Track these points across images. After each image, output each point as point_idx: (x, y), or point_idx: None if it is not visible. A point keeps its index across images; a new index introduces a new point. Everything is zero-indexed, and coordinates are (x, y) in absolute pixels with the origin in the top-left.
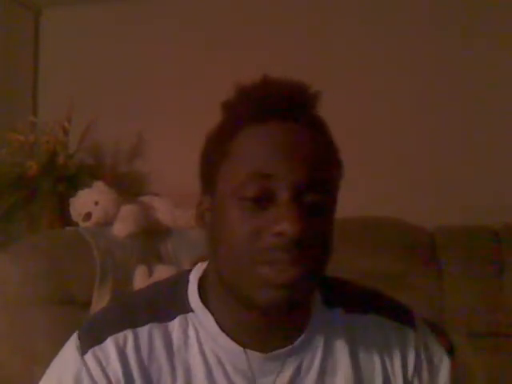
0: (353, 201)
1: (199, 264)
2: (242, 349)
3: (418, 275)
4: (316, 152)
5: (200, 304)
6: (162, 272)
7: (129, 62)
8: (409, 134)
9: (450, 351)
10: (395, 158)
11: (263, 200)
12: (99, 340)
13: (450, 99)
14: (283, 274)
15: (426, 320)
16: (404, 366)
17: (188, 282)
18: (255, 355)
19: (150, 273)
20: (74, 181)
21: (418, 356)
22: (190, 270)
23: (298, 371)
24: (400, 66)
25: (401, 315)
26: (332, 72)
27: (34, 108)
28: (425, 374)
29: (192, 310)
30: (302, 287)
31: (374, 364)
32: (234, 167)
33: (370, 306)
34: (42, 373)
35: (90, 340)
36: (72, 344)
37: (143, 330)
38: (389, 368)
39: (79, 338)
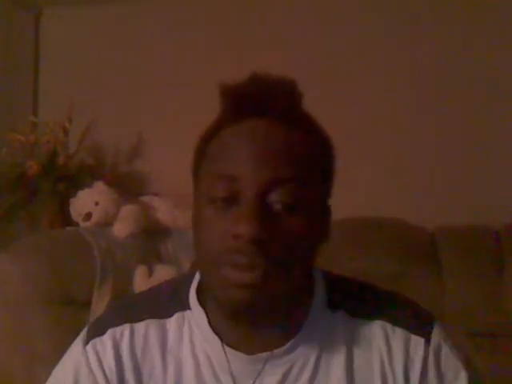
0: (353, 201)
1: None
2: (228, 348)
3: (418, 275)
4: (288, 149)
5: (196, 302)
6: (162, 272)
7: (129, 63)
8: (409, 134)
9: None
10: (395, 158)
11: (230, 201)
12: (100, 332)
13: (450, 99)
14: (243, 275)
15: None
16: (406, 376)
17: (192, 281)
18: (237, 355)
19: (150, 273)
20: (74, 181)
21: (424, 367)
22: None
23: (285, 376)
24: (400, 66)
25: (413, 323)
26: (332, 72)
27: (34, 108)
28: None
29: (190, 308)
30: (266, 288)
31: (372, 373)
32: (207, 168)
33: (377, 311)
34: (42, 373)
35: (94, 332)
36: (80, 335)
37: (140, 325)
38: (389, 377)
39: (87, 330)
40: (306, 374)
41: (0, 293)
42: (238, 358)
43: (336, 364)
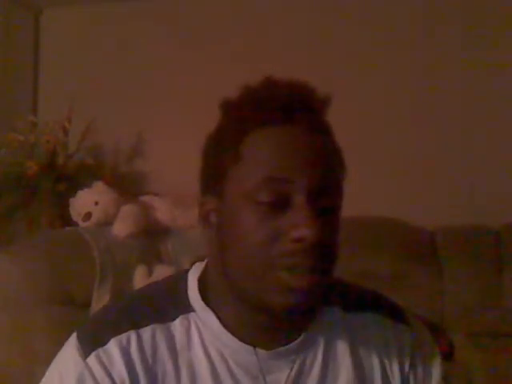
0: (353, 201)
1: (197, 263)
2: (250, 347)
3: (418, 275)
4: (326, 156)
5: (202, 303)
6: (162, 272)
7: (129, 62)
8: (409, 135)
9: (450, 351)
10: (395, 158)
11: (278, 204)
12: (102, 342)
13: (450, 100)
14: (303, 278)
15: (425, 319)
16: (401, 363)
17: (187, 281)
18: (258, 352)
19: (150, 273)
20: (74, 181)
21: (413, 353)
22: (188, 270)
23: (301, 369)
24: (401, 68)
25: (396, 314)
26: (332, 72)
27: (34, 108)
28: (419, 371)
29: (193, 310)
30: (318, 291)
31: (373, 361)
32: (247, 170)
33: (367, 305)
34: (42, 373)
35: (92, 342)
36: (72, 346)
37: (146, 331)
38: (387, 365)
39: (79, 340)
40: (317, 365)
41: (0, 293)
42: (258, 355)
43: (342, 352)
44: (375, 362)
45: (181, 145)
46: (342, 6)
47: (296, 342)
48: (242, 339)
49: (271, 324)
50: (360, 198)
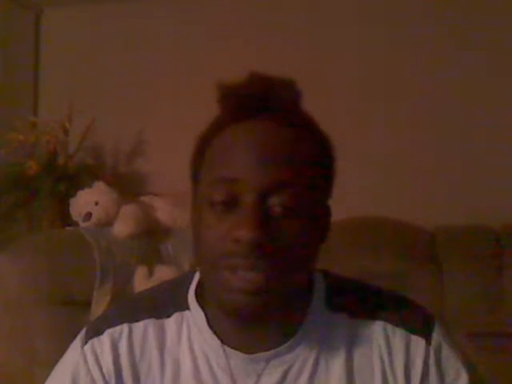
0: (353, 201)
1: None
2: (227, 348)
3: (418, 275)
4: (289, 151)
5: (194, 302)
6: (162, 272)
7: (129, 62)
8: (409, 135)
9: None
10: (395, 158)
11: (230, 204)
12: (99, 332)
13: (450, 99)
14: (244, 279)
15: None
16: (407, 376)
17: (191, 281)
18: (237, 355)
19: (151, 273)
20: (74, 181)
21: (425, 367)
22: (196, 270)
23: (285, 375)
24: (400, 66)
25: (414, 323)
26: (332, 72)
27: (34, 108)
28: None
29: (188, 308)
30: (267, 293)
31: (372, 374)
32: (207, 171)
33: (378, 312)
34: (42, 373)
35: (92, 332)
36: (78, 336)
37: (139, 326)
38: (389, 377)
39: (85, 330)
40: (306, 374)
41: (0, 293)
42: (237, 358)
43: (335, 364)
44: (376, 374)
45: (181, 145)
46: (342, 10)
47: (278, 348)
48: (225, 341)
49: (245, 326)
50: (360, 198)
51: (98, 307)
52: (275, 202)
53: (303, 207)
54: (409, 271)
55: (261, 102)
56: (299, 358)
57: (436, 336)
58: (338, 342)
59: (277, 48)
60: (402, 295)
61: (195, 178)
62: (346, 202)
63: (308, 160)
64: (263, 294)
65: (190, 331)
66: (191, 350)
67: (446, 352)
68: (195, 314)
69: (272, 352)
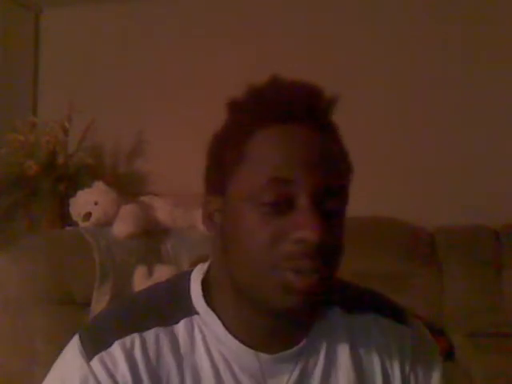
0: (353, 201)
1: (200, 265)
2: (251, 351)
3: (418, 275)
4: (333, 158)
5: (205, 306)
6: (162, 272)
7: (129, 62)
8: (409, 135)
9: (450, 351)
10: (395, 158)
11: (282, 205)
12: (105, 345)
13: (450, 100)
14: (306, 280)
15: (425, 319)
16: (402, 364)
17: (190, 283)
18: (263, 357)
19: (150, 273)
20: (74, 181)
21: (414, 353)
22: (191, 271)
23: (304, 372)
24: (401, 68)
25: (397, 314)
26: (335, 73)
27: (34, 108)
28: (420, 372)
29: (197, 313)
30: (320, 292)
31: (373, 362)
32: (251, 170)
33: (368, 305)
34: (42, 373)
35: (95, 345)
36: (74, 349)
37: (150, 334)
38: (388, 366)
39: (82, 343)
40: (319, 368)
41: (0, 293)
42: (257, 358)
43: (343, 355)
44: (376, 362)
45: (181, 145)
46: (344, 8)
47: (299, 346)
48: (244, 342)
49: (274, 326)
50: (360, 198)
51: (98, 307)
52: (327, 205)
53: (345, 212)
54: (409, 271)
55: (307, 107)
56: (313, 353)
57: (414, 322)
58: (341, 335)
59: (277, 48)
60: (375, 289)
61: (224, 175)
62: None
63: (344, 165)
64: (317, 294)
65: (204, 336)
66: (209, 355)
67: (424, 335)
68: (207, 318)
69: (294, 350)
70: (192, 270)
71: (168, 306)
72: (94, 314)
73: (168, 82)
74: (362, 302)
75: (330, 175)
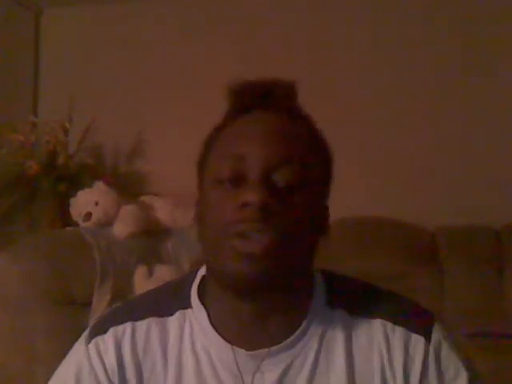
0: (353, 201)
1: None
2: (229, 345)
3: (418, 275)
4: (290, 138)
5: (196, 300)
6: (162, 272)
7: (129, 62)
8: (409, 135)
9: None
10: (395, 158)
11: (238, 181)
12: (103, 330)
13: (450, 99)
14: (253, 244)
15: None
16: (406, 374)
17: (194, 279)
18: (240, 352)
19: (150, 273)
20: (74, 181)
21: (424, 366)
22: (200, 268)
23: (286, 371)
24: (399, 67)
25: (413, 322)
26: (331, 72)
27: (34, 108)
28: None
29: (191, 306)
30: (271, 260)
31: (372, 369)
32: (215, 154)
33: (377, 310)
34: (42, 373)
35: (95, 330)
36: (83, 334)
37: (142, 324)
38: (388, 375)
39: (89, 328)
40: (306, 370)
41: (0, 293)
42: (238, 354)
43: (335, 361)
44: (375, 370)
45: (181, 145)
46: (342, 5)
47: (280, 345)
48: (225, 337)
49: (250, 316)
50: (360, 198)
51: (98, 307)
52: (278, 179)
53: (303, 186)
54: (409, 271)
55: (266, 96)
56: (300, 354)
57: (436, 335)
58: (338, 339)
59: (276, 48)
60: (401, 293)
61: (203, 164)
62: (346, 202)
63: (305, 145)
64: (268, 259)
65: (192, 329)
66: (193, 347)
67: (446, 351)
68: (197, 312)
69: (274, 348)
70: (199, 270)
71: (168, 298)
72: (95, 313)
73: (168, 82)
74: (371, 305)
75: (283, 155)
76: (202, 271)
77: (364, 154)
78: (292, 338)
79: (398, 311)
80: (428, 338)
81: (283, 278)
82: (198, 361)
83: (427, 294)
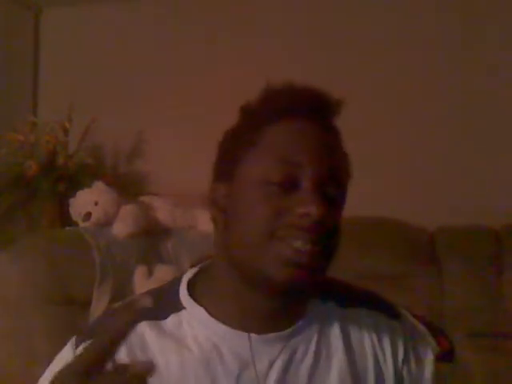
0: (353, 201)
1: (193, 268)
2: (241, 332)
3: (418, 275)
4: (337, 151)
5: (191, 300)
6: (162, 272)
7: (129, 62)
8: (409, 135)
9: (451, 351)
10: (395, 158)
11: (287, 186)
12: (91, 334)
13: (450, 100)
14: (303, 253)
15: (425, 319)
16: (394, 357)
17: (180, 283)
18: (255, 337)
19: (150, 273)
20: (74, 181)
21: (406, 348)
22: (182, 276)
23: (292, 357)
24: (401, 68)
25: (390, 311)
26: (333, 72)
27: (34, 108)
28: (413, 366)
29: (184, 308)
30: (314, 269)
31: (366, 352)
32: (261, 154)
33: (361, 301)
34: (42, 373)
35: (84, 335)
36: (71, 340)
37: (136, 327)
38: (380, 357)
39: (77, 334)
40: (310, 356)
41: (0, 293)
42: (247, 340)
43: (335, 343)
44: (368, 353)
45: (181, 145)
46: (342, 6)
47: (288, 330)
48: (233, 326)
49: (266, 309)
50: (360, 198)
51: (98, 307)
52: (328, 191)
53: (342, 203)
54: (409, 271)
55: (313, 106)
56: (303, 341)
57: (405, 319)
58: (335, 328)
59: (276, 48)
60: (369, 289)
61: (233, 162)
62: (346, 201)
63: (346, 160)
64: (312, 269)
65: (192, 328)
66: (199, 344)
67: (415, 332)
68: (193, 311)
69: (283, 333)
70: (183, 275)
71: (157, 303)
72: (94, 314)
73: (168, 82)
74: (356, 298)
75: (333, 166)
76: (188, 274)
77: (364, 154)
78: (296, 325)
79: (377, 302)
80: (401, 323)
81: (316, 283)
82: (205, 356)
83: (427, 293)
